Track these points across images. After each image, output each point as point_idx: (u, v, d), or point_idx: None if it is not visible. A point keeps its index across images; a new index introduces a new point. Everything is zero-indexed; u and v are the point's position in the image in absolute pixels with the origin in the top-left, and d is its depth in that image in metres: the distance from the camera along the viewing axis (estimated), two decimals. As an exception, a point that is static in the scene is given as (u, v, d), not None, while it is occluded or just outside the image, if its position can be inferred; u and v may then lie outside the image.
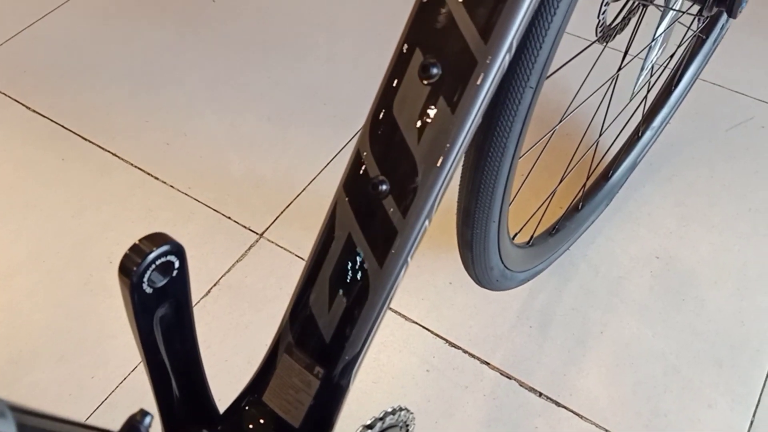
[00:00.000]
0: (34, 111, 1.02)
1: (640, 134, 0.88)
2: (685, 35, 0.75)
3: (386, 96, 0.33)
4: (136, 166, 0.95)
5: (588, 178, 0.81)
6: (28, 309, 0.81)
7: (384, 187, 0.33)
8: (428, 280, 0.84)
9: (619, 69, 0.70)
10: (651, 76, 0.76)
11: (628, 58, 0.70)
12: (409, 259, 0.34)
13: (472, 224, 0.49)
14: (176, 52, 1.11)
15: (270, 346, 0.39)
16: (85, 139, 0.98)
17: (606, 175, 0.86)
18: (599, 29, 0.64)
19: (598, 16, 0.62)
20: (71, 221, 0.89)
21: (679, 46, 0.78)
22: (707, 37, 0.88)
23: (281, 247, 0.87)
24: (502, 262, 0.60)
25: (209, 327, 0.80)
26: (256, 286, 0.83)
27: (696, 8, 0.65)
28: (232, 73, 1.08)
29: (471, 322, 0.80)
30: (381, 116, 0.33)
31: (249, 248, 0.87)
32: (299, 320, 0.37)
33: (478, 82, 0.31)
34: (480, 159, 0.45)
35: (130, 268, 0.31)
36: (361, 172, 0.34)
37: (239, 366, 0.77)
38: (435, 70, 0.31)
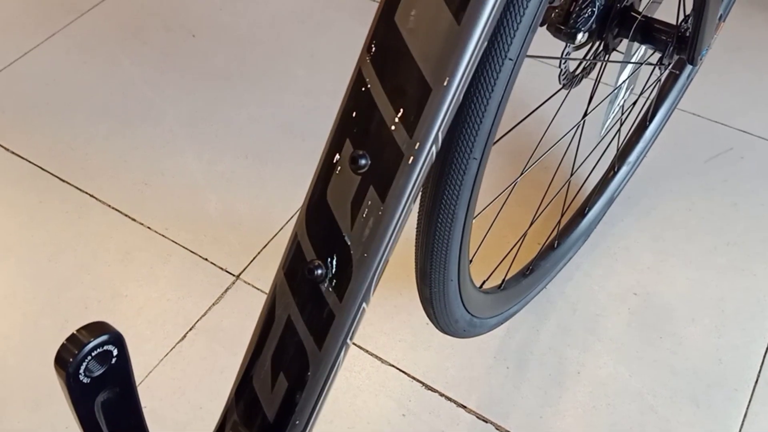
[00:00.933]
0: (11, 151, 1.03)
1: (615, 170, 0.89)
2: (650, 76, 0.76)
3: (320, 181, 0.34)
4: (113, 208, 0.96)
5: (561, 217, 0.81)
6: (2, 354, 0.82)
7: (320, 271, 0.33)
8: (405, 320, 0.84)
9: (585, 115, 0.71)
10: (622, 115, 0.77)
11: (595, 102, 0.71)
12: (348, 341, 0.35)
13: (429, 283, 0.50)
14: (156, 88, 1.12)
15: (217, 423, 0.40)
16: (63, 180, 0.99)
17: (582, 212, 0.87)
18: (562, 77, 0.65)
19: (560, 66, 0.63)
20: (47, 264, 0.90)
21: (645, 89, 0.79)
22: (681, 72, 0.89)
23: (258, 289, 0.88)
24: (469, 313, 0.60)
25: (184, 372, 0.80)
26: (232, 330, 0.84)
27: (657, 56, 0.66)
28: (211, 109, 1.09)
29: (448, 363, 0.81)
30: (316, 201, 0.34)
31: (225, 290, 0.87)
32: (244, 398, 0.37)
33: (405, 174, 0.32)
34: (430, 225, 0.45)
35: (66, 359, 0.32)
36: (298, 255, 0.34)
37: (214, 413, 0.77)
38: (363, 161, 0.32)
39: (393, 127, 0.32)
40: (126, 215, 0.95)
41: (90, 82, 1.13)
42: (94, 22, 1.23)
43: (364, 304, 0.34)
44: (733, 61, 1.13)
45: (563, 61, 0.63)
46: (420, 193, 0.46)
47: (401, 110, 0.31)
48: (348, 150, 0.33)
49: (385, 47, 0.31)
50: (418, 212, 0.47)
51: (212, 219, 0.95)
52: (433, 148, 0.32)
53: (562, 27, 0.59)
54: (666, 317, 0.83)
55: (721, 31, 0.90)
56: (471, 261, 0.57)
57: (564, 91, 0.65)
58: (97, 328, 0.33)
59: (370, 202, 0.32)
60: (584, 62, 0.64)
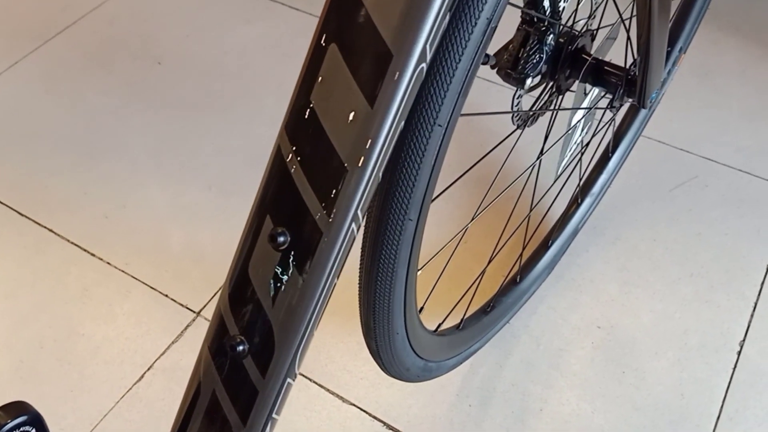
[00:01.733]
0: (-30, 185, 1.02)
1: (579, 202, 0.90)
2: (603, 115, 0.77)
3: (243, 257, 0.34)
4: (72, 242, 0.95)
5: (522, 252, 0.82)
6: (-43, 399, 0.81)
7: (242, 347, 0.33)
8: (368, 357, 0.84)
9: (540, 154, 0.71)
10: (581, 149, 0.77)
11: (553, 136, 0.71)
12: (275, 415, 0.35)
13: (375, 337, 0.50)
14: (121, 118, 1.12)
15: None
16: (22, 215, 0.98)
17: (546, 245, 0.87)
18: (515, 119, 0.65)
19: (512, 108, 0.64)
20: (4, 302, 0.89)
21: (600, 129, 0.79)
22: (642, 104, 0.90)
23: (219, 326, 0.87)
24: (422, 359, 0.60)
25: (141, 415, 0.79)
26: (191, 369, 0.83)
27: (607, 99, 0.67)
28: (176, 140, 1.08)
29: (410, 401, 0.80)
30: (238, 276, 0.34)
31: (185, 328, 0.87)
32: (172, 472, 0.37)
33: (325, 252, 0.32)
34: (370, 282, 0.45)
35: (-20, 442, 0.31)
36: (222, 330, 0.34)
37: (171, 456, 0.76)
38: (283, 239, 0.32)
39: (311, 206, 0.32)
40: (85, 250, 0.94)
41: (53, 111, 1.13)
42: (59, 50, 1.22)
43: (288, 379, 0.34)
44: (701, 86, 1.14)
45: (515, 103, 0.64)
46: (361, 251, 0.46)
47: (319, 189, 0.31)
48: (268, 226, 0.33)
49: (302, 126, 0.32)
50: (359, 268, 0.47)
51: (174, 253, 0.94)
52: (353, 225, 0.32)
53: (512, 72, 0.59)
54: (629, 351, 0.84)
55: (681, 63, 0.91)
56: (421, 309, 0.58)
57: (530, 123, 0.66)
58: (16, 408, 0.32)
59: (290, 280, 0.32)
60: (536, 106, 0.64)
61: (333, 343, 0.85)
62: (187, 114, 1.12)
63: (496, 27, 0.38)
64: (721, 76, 1.15)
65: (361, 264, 0.46)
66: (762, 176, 1.00)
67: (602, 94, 0.69)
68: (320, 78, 0.31)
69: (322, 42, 0.30)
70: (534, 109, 0.65)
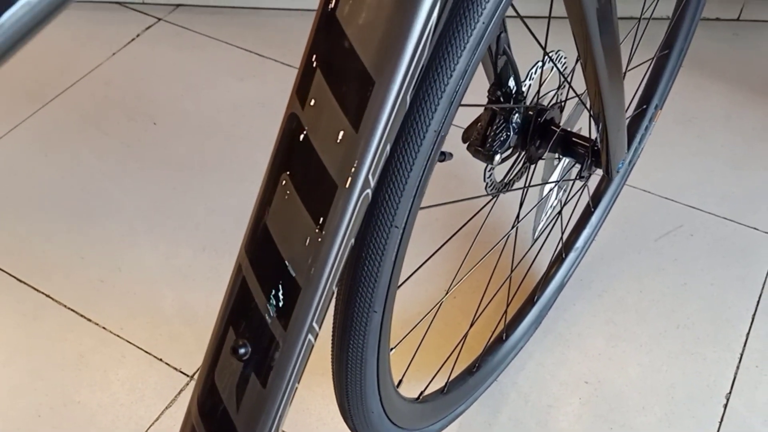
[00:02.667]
0: (-30, 252, 1.06)
1: (563, 256, 0.92)
2: (574, 183, 0.79)
3: (209, 366, 0.37)
4: (68, 308, 0.98)
5: (505, 312, 0.84)
6: (-46, 469, 0.83)
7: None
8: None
9: (517, 221, 0.74)
10: (561, 207, 0.80)
11: (528, 202, 0.74)
12: None
13: (351, 416, 0.53)
14: (116, 180, 1.16)
15: None
16: (20, 281, 1.02)
17: (532, 300, 0.90)
18: (489, 189, 0.68)
19: (485, 180, 0.67)
20: (0, 370, 0.92)
21: (573, 196, 0.82)
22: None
23: (211, 389, 0.90)
24: (404, 429, 0.62)
25: (135, 482, 0.82)
26: (184, 434, 0.85)
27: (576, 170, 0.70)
28: (170, 200, 1.12)
29: (400, 461, 0.82)
30: (205, 382, 0.37)
31: (179, 392, 0.89)
32: None
33: (283, 362, 0.35)
34: (340, 367, 0.48)
35: None
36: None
37: None
38: (244, 350, 0.35)
39: (269, 320, 0.35)
40: (81, 315, 0.97)
41: (50, 175, 1.17)
42: (56, 113, 1.27)
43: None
44: (685, 133, 1.17)
45: (488, 175, 0.67)
46: (331, 338, 0.49)
47: (275, 304, 0.34)
48: (231, 338, 0.36)
49: (257, 242, 0.35)
50: (330, 353, 0.50)
51: (168, 316, 0.97)
52: (309, 336, 0.35)
53: (480, 149, 0.63)
54: (617, 406, 0.86)
55: (658, 119, 0.95)
56: (399, 383, 0.60)
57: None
58: None
59: (253, 388, 0.35)
60: (508, 178, 0.68)
61: (324, 404, 0.87)
62: (180, 174, 1.16)
63: (445, 135, 0.42)
64: (705, 123, 1.19)
65: (332, 350, 0.49)
66: (746, 224, 1.03)
67: (573, 163, 0.72)
68: (274, 204, 0.34)
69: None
70: (505, 182, 0.68)
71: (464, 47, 0.39)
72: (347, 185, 0.33)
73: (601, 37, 0.47)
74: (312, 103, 0.32)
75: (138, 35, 1.42)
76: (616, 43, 0.50)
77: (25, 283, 1.02)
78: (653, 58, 0.84)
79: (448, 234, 0.69)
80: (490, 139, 0.62)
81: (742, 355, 0.89)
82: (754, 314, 0.93)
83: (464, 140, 0.66)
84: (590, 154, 0.67)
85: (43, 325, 0.97)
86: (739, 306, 0.94)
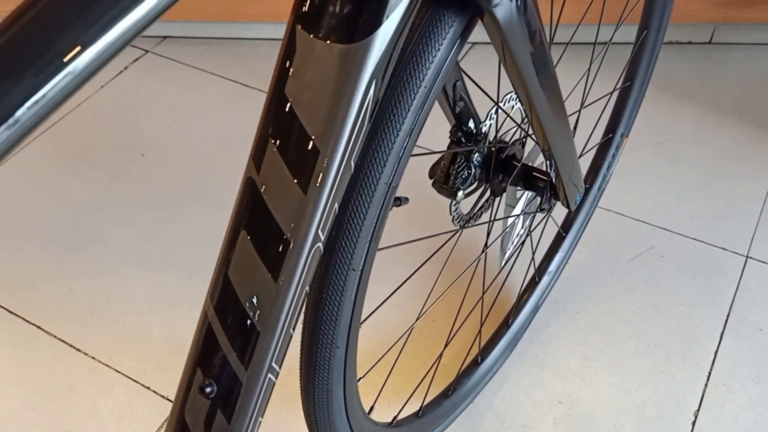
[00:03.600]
0: (-38, 285, 1.10)
1: (537, 280, 0.96)
2: (536, 213, 0.83)
3: (179, 404, 0.41)
4: (59, 338, 1.02)
5: (480, 333, 0.88)
6: (-51, 499, 0.87)
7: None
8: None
9: (486, 247, 0.79)
10: (522, 241, 0.84)
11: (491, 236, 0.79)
12: None
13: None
14: (104, 210, 1.20)
15: None
16: (11, 312, 1.06)
17: (506, 323, 0.94)
18: (456, 221, 0.73)
19: (451, 213, 0.72)
20: (-6, 402, 0.96)
21: (536, 227, 0.86)
22: (591, 185, 0.98)
23: (197, 416, 0.93)
24: (376, 453, 0.66)
25: None
26: (171, 460, 0.89)
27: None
28: (158, 230, 1.16)
29: (380, 483, 0.86)
30: (176, 421, 0.41)
31: (166, 420, 0.93)
32: None
33: (247, 400, 0.39)
34: (308, 399, 0.52)
35: None
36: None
37: None
38: (210, 389, 0.39)
39: (232, 361, 0.39)
40: (71, 345, 1.01)
41: (40, 208, 1.21)
42: (45, 145, 1.32)
43: None
44: (657, 155, 1.22)
45: (454, 209, 0.71)
46: (299, 371, 0.53)
47: (237, 347, 0.39)
48: (199, 378, 0.40)
49: (222, 298, 0.39)
50: (299, 385, 0.54)
51: (155, 345, 1.01)
52: (270, 375, 0.39)
53: (444, 186, 0.67)
54: (589, 425, 0.90)
55: (625, 147, 0.99)
56: (371, 410, 0.64)
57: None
58: None
59: (219, 424, 0.39)
60: (474, 210, 0.72)
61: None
62: (168, 203, 1.20)
63: (397, 185, 0.46)
64: (676, 145, 1.23)
65: (300, 382, 0.53)
66: (715, 244, 1.07)
67: (535, 195, 0.77)
68: (234, 257, 0.39)
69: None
70: (471, 214, 0.73)
71: (408, 109, 0.43)
72: (299, 242, 0.37)
73: (539, 79, 0.51)
74: (266, 169, 0.37)
75: (126, 67, 1.47)
76: (555, 84, 0.54)
77: (16, 314, 1.06)
78: (612, 92, 0.89)
79: (418, 262, 0.73)
80: (452, 177, 0.66)
81: (710, 373, 0.93)
82: (722, 333, 0.97)
83: (430, 176, 0.71)
84: (548, 188, 0.71)
85: (34, 356, 1.00)
86: (708, 325, 0.98)
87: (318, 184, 0.36)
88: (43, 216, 1.20)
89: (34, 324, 1.04)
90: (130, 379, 0.97)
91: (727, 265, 1.05)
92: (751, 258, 1.05)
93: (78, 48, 0.26)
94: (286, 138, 0.36)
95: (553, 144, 0.59)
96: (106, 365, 0.99)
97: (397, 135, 0.43)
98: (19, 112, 0.26)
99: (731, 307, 1.00)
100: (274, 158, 0.37)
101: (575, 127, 0.81)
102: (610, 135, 0.96)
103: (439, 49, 0.43)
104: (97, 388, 0.96)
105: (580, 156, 0.89)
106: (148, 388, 0.96)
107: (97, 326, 1.04)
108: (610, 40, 0.81)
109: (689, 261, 1.06)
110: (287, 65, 0.36)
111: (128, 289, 1.08)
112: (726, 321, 0.98)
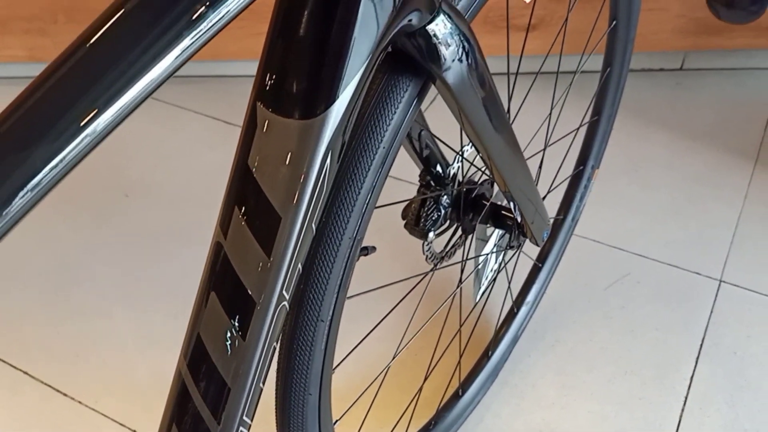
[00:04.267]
0: (-51, 332, 1.12)
1: (515, 311, 0.99)
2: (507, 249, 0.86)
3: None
4: (45, 383, 1.04)
5: (459, 366, 0.90)
6: None
7: None
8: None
9: (460, 282, 0.81)
10: (494, 276, 0.87)
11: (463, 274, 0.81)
12: None
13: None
14: (90, 250, 1.22)
15: None
16: (-2, 358, 1.07)
17: (486, 355, 0.96)
18: (429, 260, 0.75)
19: (424, 253, 0.74)
20: (-19, 448, 0.97)
21: (506, 264, 0.89)
22: (565, 217, 1.01)
23: (184, 456, 0.95)
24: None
25: None
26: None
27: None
28: (143, 269, 1.19)
29: None
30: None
31: (153, 461, 0.94)
32: None
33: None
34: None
35: None
36: None
37: None
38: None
39: (205, 417, 0.41)
40: (57, 390, 1.03)
41: (25, 249, 1.23)
42: (31, 188, 1.34)
43: None
44: (631, 182, 1.26)
45: (426, 248, 0.74)
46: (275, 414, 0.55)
47: (209, 402, 0.41)
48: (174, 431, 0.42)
49: (194, 355, 0.42)
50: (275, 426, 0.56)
51: (141, 386, 1.03)
52: (241, 428, 0.42)
53: (415, 228, 0.70)
54: (570, 454, 0.92)
55: (596, 178, 1.03)
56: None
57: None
58: None
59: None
60: (446, 248, 0.75)
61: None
62: (153, 243, 1.22)
63: (362, 238, 0.49)
64: (650, 170, 1.27)
65: (276, 426, 0.55)
66: (689, 269, 1.10)
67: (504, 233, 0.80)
68: (205, 317, 0.41)
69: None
70: (444, 252, 0.76)
71: (369, 168, 0.46)
72: (264, 302, 0.39)
73: (492, 128, 0.54)
74: (232, 235, 0.40)
75: (110, 108, 1.49)
76: (509, 131, 0.57)
77: (3, 360, 1.07)
78: (579, 127, 0.92)
79: (397, 298, 0.76)
80: (422, 220, 0.69)
81: (686, 398, 0.96)
82: (697, 357, 1.00)
83: (402, 218, 0.74)
84: (516, 226, 0.74)
85: (21, 401, 1.02)
86: (683, 349, 1.01)
87: (281, 249, 0.39)
88: (28, 258, 1.22)
89: (21, 369, 1.06)
90: (117, 422, 0.99)
91: (701, 289, 1.08)
92: (724, 282, 1.08)
93: (95, 111, 0.29)
94: (250, 206, 0.39)
95: (512, 186, 0.62)
96: (92, 409, 1.00)
97: (359, 193, 0.46)
98: (40, 176, 0.29)
99: (706, 331, 1.03)
100: (239, 225, 0.39)
101: (540, 165, 0.84)
102: (581, 167, 0.99)
103: (395, 112, 0.46)
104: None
105: (552, 190, 0.93)
106: (134, 431, 0.98)
107: (84, 369, 1.05)
108: (572, 81, 0.84)
109: (664, 286, 1.09)
110: (249, 138, 0.39)
111: (114, 329, 1.10)
112: (701, 345, 1.01)
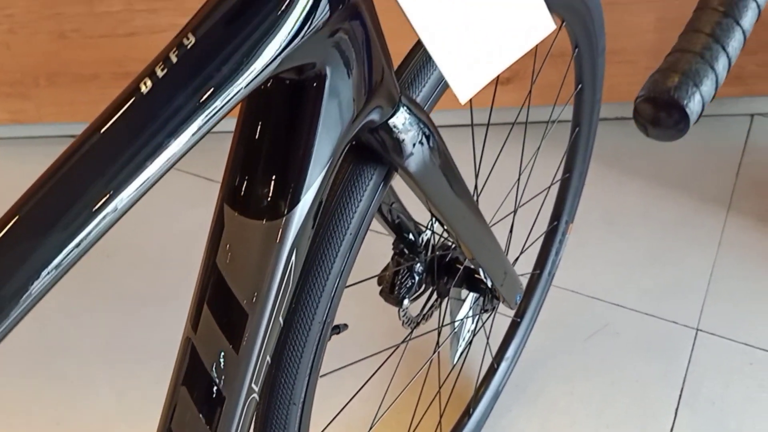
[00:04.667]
0: (-72, 403, 1.11)
1: (495, 367, 1.00)
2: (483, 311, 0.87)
3: None
4: (26, 454, 1.03)
5: (440, 421, 0.91)
6: None
7: None
8: None
9: (437, 347, 0.83)
10: (474, 334, 0.89)
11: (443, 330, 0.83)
12: None
13: None
14: (71, 316, 1.22)
15: None
16: (-23, 429, 1.07)
17: (468, 412, 0.97)
18: (406, 324, 0.77)
19: (400, 318, 0.76)
20: None
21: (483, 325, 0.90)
22: (542, 271, 1.03)
23: None
24: None
25: None
26: None
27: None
28: (124, 334, 1.19)
29: None
30: None
31: None
32: None
33: None
34: None
35: None
36: None
37: None
38: None
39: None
40: (38, 461, 1.02)
41: (8, 315, 1.23)
42: (13, 251, 1.35)
43: None
44: (608, 232, 1.28)
45: (402, 314, 0.76)
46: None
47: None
48: None
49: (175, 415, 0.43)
50: None
51: (123, 454, 1.02)
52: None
53: (390, 296, 0.72)
54: None
55: (571, 232, 1.05)
56: None
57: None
58: None
59: None
60: (422, 313, 0.77)
61: None
62: (135, 306, 1.23)
63: (332, 320, 0.51)
64: (626, 219, 1.30)
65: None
66: (666, 318, 1.12)
67: (473, 304, 0.82)
68: (176, 414, 0.42)
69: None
70: (420, 316, 0.77)
71: (336, 254, 0.48)
72: (234, 396, 0.41)
73: (454, 203, 0.56)
74: (202, 330, 0.41)
75: (92, 167, 1.51)
76: (471, 205, 0.59)
77: (-18, 431, 1.06)
78: (550, 186, 0.95)
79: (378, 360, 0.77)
80: (397, 287, 0.71)
81: (667, 450, 0.97)
82: (677, 408, 1.01)
83: (379, 284, 0.75)
84: (489, 290, 0.76)
85: (0, 473, 1.01)
86: (663, 400, 1.02)
87: (249, 345, 0.40)
88: (9, 324, 1.22)
89: (0, 439, 1.05)
90: (98, 491, 0.98)
91: (679, 338, 1.10)
92: (701, 330, 1.10)
93: (108, 195, 0.31)
94: (218, 303, 0.41)
95: (478, 255, 0.64)
96: (74, 478, 1.00)
97: (327, 278, 0.48)
98: (58, 258, 0.31)
99: (684, 381, 1.04)
100: (208, 321, 0.41)
101: (511, 230, 0.86)
102: (555, 222, 1.01)
103: (361, 200, 0.48)
104: (64, 503, 0.97)
105: (525, 250, 0.95)
106: (116, 499, 0.97)
107: (65, 437, 1.05)
108: (539, 146, 0.87)
109: (643, 336, 1.10)
110: (217, 238, 0.41)
111: (96, 396, 1.10)
112: (680, 396, 1.02)
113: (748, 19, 0.34)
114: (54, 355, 1.16)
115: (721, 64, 0.33)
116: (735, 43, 0.34)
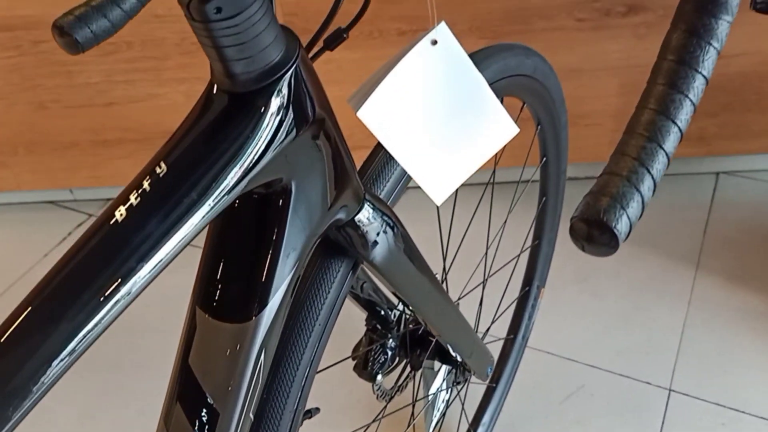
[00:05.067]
0: None
1: (472, 433, 1.02)
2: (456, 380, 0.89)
3: None
4: None
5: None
6: None
7: None
8: None
9: (412, 419, 0.84)
10: (448, 406, 0.90)
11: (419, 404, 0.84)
12: None
13: None
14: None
15: None
16: None
17: (446, 481, 0.98)
18: (380, 398, 0.78)
19: (374, 392, 0.77)
20: None
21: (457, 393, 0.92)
22: (516, 336, 1.06)
23: None
24: None
25: None
26: None
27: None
28: (101, 405, 1.18)
29: None
30: None
31: None
32: None
33: None
34: None
35: None
36: None
37: None
38: None
39: None
40: None
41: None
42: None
43: None
44: (581, 293, 1.31)
45: (377, 387, 0.77)
46: None
47: None
48: None
49: None
50: None
51: None
52: None
53: (363, 371, 0.73)
54: None
55: (543, 297, 1.08)
56: None
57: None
58: None
59: None
60: (397, 384, 0.78)
61: None
62: (111, 376, 1.23)
63: (304, 407, 0.52)
64: (597, 280, 1.33)
65: None
66: (640, 378, 1.15)
67: (445, 376, 0.84)
68: None
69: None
70: (395, 388, 0.79)
71: (306, 345, 0.50)
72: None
73: (418, 287, 0.58)
74: (174, 428, 0.43)
75: (69, 233, 1.53)
76: (436, 287, 0.62)
77: None
78: (519, 254, 0.98)
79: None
80: (370, 363, 0.73)
81: None
82: (652, 470, 1.03)
83: (353, 358, 0.77)
84: (460, 362, 0.78)
85: None
86: (639, 463, 1.04)
87: (221, 441, 0.42)
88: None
89: None
90: None
91: (653, 399, 1.12)
92: (673, 391, 1.12)
93: (116, 283, 0.33)
94: (190, 402, 0.43)
95: (443, 332, 0.66)
96: None
97: (297, 368, 0.50)
98: (72, 344, 0.33)
99: (659, 442, 1.06)
100: (180, 418, 0.43)
101: (481, 301, 0.89)
102: (527, 288, 1.04)
103: (329, 291, 0.50)
104: None
105: (497, 318, 0.97)
106: None
107: None
108: (506, 219, 0.90)
109: (617, 397, 1.12)
110: (190, 339, 0.43)
111: (70, 471, 1.09)
112: (655, 458, 1.04)
113: (671, 142, 0.38)
114: (28, 428, 1.15)
115: (646, 186, 0.37)
116: (659, 165, 0.38)
